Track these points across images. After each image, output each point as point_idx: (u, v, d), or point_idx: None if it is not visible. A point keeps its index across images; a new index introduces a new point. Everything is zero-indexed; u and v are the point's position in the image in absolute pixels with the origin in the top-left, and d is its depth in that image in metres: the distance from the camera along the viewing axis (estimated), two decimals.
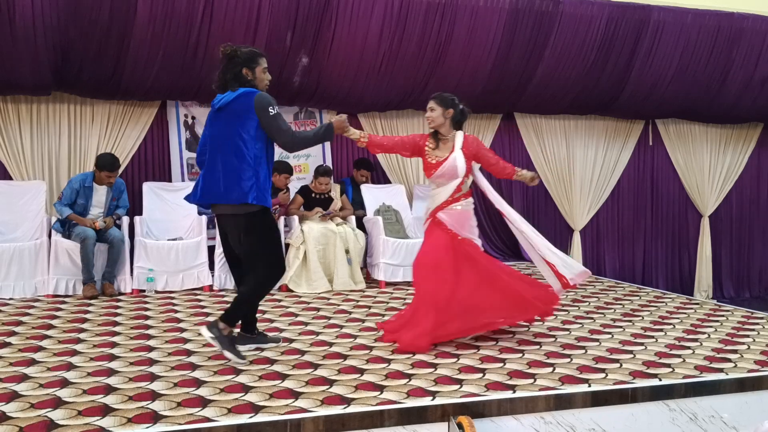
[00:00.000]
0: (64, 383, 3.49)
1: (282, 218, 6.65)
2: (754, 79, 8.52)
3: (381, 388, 3.45)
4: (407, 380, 3.59)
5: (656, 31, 7.81)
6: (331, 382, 3.55)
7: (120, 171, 7.03)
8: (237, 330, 4.12)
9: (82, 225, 6.01)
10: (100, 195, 6.22)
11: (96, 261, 6.02)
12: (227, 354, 3.86)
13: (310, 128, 7.38)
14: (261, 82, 4.06)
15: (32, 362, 3.89)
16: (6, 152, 6.75)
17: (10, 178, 6.71)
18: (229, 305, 4.04)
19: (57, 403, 3.18)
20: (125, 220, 6.39)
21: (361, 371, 3.76)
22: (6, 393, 3.32)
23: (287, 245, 6.51)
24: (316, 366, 3.84)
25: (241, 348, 4.05)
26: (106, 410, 3.08)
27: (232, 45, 4.05)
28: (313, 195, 6.93)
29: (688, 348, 4.39)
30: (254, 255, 3.95)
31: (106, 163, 6.19)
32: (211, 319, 5.04)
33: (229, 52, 3.99)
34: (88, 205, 6.16)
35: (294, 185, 7.09)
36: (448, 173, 4.30)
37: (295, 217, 6.67)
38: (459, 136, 4.37)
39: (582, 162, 8.90)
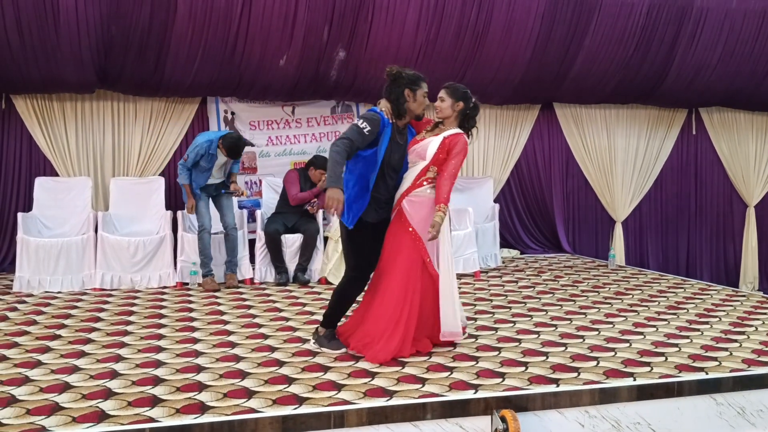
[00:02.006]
0: (114, 375, 3.58)
1: (320, 212, 6.67)
2: None
3: (423, 381, 3.46)
4: (449, 373, 3.60)
5: (699, 17, 7.63)
6: (373, 375, 3.57)
7: (162, 167, 7.19)
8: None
9: (191, 198, 6.16)
10: (220, 160, 6.23)
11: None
12: (324, 349, 4.04)
13: (347, 122, 7.48)
14: (420, 106, 4.04)
15: (82, 354, 3.99)
16: (52, 149, 6.93)
17: (57, 175, 6.90)
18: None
19: (107, 394, 3.26)
20: (168, 214, 6.52)
21: (403, 364, 3.77)
22: (58, 384, 3.42)
23: (326, 238, 6.55)
24: (357, 358, 3.86)
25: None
26: (154, 401, 3.16)
27: (397, 66, 4.03)
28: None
29: (735, 341, 4.31)
30: (345, 257, 4.15)
31: (233, 149, 6.09)
32: (254, 311, 5.16)
33: (395, 73, 3.98)
34: (211, 167, 6.17)
35: None
36: (419, 151, 4.04)
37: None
38: (453, 129, 4.06)
39: (623, 152, 8.75)
